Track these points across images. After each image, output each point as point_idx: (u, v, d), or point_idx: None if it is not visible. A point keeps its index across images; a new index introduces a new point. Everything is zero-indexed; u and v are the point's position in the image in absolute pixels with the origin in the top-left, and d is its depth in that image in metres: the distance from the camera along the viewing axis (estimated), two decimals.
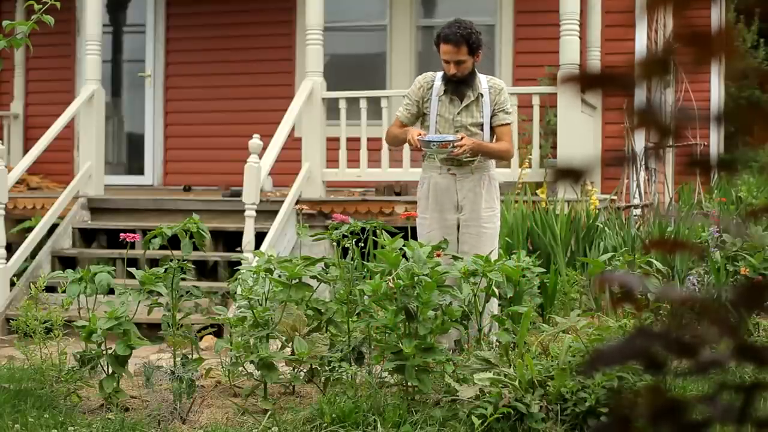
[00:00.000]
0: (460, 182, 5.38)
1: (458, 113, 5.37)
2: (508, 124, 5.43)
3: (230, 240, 8.05)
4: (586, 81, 1.13)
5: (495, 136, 5.43)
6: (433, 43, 5.50)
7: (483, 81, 5.42)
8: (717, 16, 11.35)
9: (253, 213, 7.14)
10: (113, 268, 4.89)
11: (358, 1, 10.77)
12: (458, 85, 5.36)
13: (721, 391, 1.13)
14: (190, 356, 4.76)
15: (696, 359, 1.12)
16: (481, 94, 5.39)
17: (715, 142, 11.32)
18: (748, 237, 6.42)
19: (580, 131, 7.95)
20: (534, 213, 7.22)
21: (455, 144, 5.16)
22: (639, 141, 9.50)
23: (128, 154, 11.38)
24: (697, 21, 1.11)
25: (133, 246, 6.97)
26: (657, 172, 10.16)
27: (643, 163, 9.63)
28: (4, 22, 4.58)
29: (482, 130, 5.39)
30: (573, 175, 1.14)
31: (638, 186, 9.41)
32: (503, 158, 5.58)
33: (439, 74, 5.46)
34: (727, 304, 1.15)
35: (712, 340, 1.11)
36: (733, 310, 1.13)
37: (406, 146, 8.06)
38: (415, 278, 4.36)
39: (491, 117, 5.41)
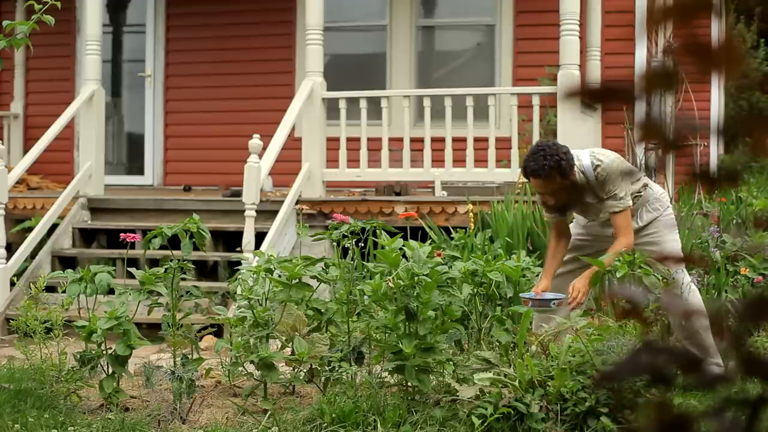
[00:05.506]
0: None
1: (591, 220, 5.12)
2: (620, 211, 4.87)
3: (230, 240, 8.05)
4: (587, 95, 1.12)
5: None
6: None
7: (588, 169, 4.88)
8: (718, 26, 11.31)
9: (253, 213, 7.14)
10: (113, 268, 4.89)
11: (358, 1, 10.77)
12: (566, 208, 5.01)
13: (727, 405, 1.12)
14: (190, 356, 4.76)
15: (702, 374, 1.11)
16: (588, 183, 4.87)
17: (715, 142, 11.30)
18: (749, 238, 6.42)
19: (580, 131, 7.95)
20: (534, 213, 7.22)
21: (556, 303, 4.86)
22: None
23: (128, 154, 11.38)
24: (698, 31, 1.10)
25: (133, 246, 6.97)
26: (657, 172, 10.14)
27: (642, 163, 9.62)
28: (4, 22, 4.58)
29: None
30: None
31: None
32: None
33: None
34: (728, 314, 1.14)
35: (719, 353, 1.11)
36: (738, 324, 1.12)
37: (407, 146, 8.11)
38: (415, 278, 4.36)
39: None
